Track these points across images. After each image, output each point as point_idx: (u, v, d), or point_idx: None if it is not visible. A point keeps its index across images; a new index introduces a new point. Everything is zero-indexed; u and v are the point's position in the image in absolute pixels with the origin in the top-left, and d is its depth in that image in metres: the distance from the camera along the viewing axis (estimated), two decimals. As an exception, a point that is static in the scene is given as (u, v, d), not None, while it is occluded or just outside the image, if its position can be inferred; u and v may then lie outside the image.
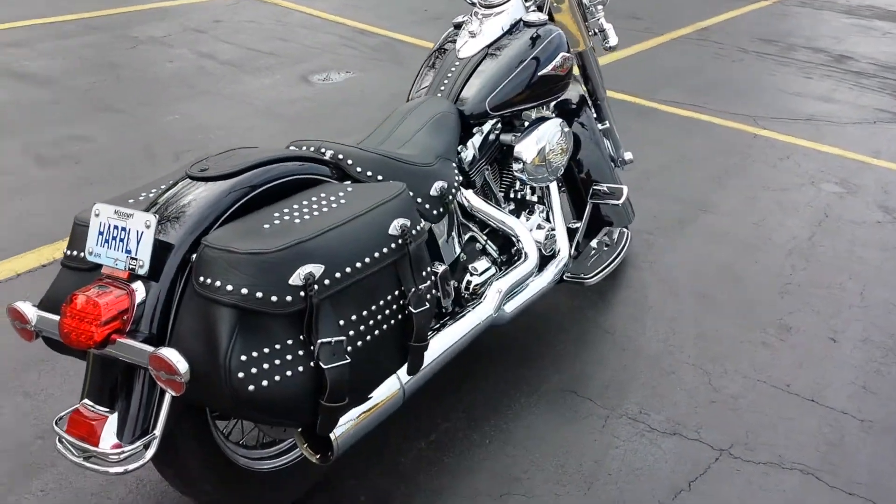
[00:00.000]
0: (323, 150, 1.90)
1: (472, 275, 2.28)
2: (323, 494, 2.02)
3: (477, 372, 2.51)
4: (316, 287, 1.51)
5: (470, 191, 2.31)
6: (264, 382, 1.46)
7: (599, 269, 2.63)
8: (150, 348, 1.44)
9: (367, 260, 1.61)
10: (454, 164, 2.13)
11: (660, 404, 2.43)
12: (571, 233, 2.70)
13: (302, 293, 1.49)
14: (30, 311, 1.58)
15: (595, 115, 3.01)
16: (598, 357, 2.63)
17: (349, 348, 1.58)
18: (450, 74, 2.37)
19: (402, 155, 1.99)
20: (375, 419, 1.81)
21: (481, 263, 2.32)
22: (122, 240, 1.51)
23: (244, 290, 1.45)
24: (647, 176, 3.93)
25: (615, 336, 2.75)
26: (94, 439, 1.48)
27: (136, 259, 1.50)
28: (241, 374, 1.44)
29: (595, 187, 2.79)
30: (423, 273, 1.74)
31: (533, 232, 2.45)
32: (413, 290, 1.70)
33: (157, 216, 1.51)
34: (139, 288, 1.51)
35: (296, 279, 1.49)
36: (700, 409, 2.43)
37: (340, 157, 1.90)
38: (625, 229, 2.83)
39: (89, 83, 4.56)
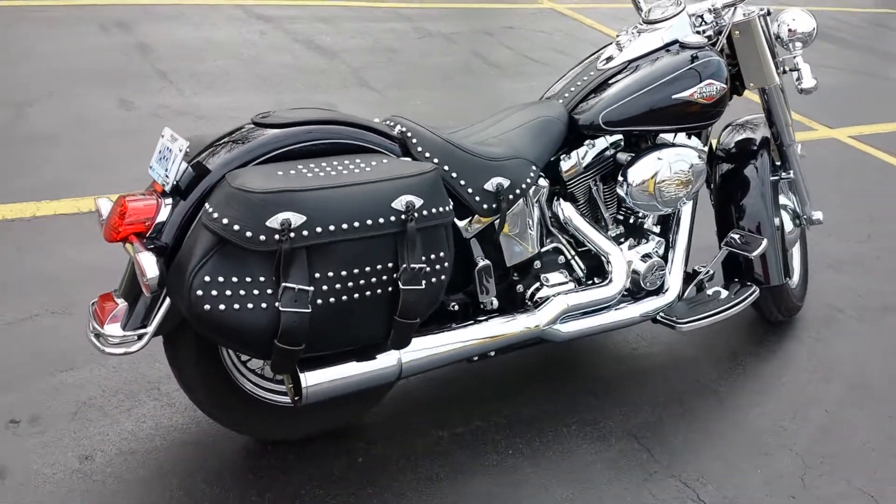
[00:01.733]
0: (393, 124, 2.00)
1: (542, 284, 2.22)
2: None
3: (544, 385, 2.44)
4: (292, 234, 1.62)
5: (569, 203, 2.25)
6: (221, 306, 1.61)
7: (697, 316, 2.39)
8: (142, 250, 1.65)
9: (357, 224, 1.68)
10: (535, 168, 2.10)
11: (727, 480, 2.17)
12: (694, 275, 2.49)
13: (276, 236, 1.61)
14: (104, 205, 1.88)
15: (780, 163, 2.73)
16: (686, 413, 2.40)
17: (319, 301, 1.67)
18: (579, 82, 2.32)
19: (468, 145, 2.01)
20: (358, 383, 1.87)
21: (557, 276, 2.25)
22: (167, 159, 1.75)
23: (225, 221, 1.60)
24: (876, 247, 3.43)
25: (720, 398, 2.48)
26: (101, 321, 1.74)
27: (168, 177, 1.73)
28: (199, 292, 1.60)
29: (732, 233, 2.53)
30: (426, 254, 1.77)
31: (631, 260, 2.31)
32: (405, 266, 1.73)
33: (189, 142, 1.72)
34: (167, 201, 1.73)
35: (273, 222, 1.61)
36: (772, 498, 2.13)
37: (409, 134, 1.98)
38: (753, 286, 2.53)
39: (363, 62, 5.07)
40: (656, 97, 2.24)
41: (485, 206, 2.00)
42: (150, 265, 1.62)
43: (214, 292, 1.61)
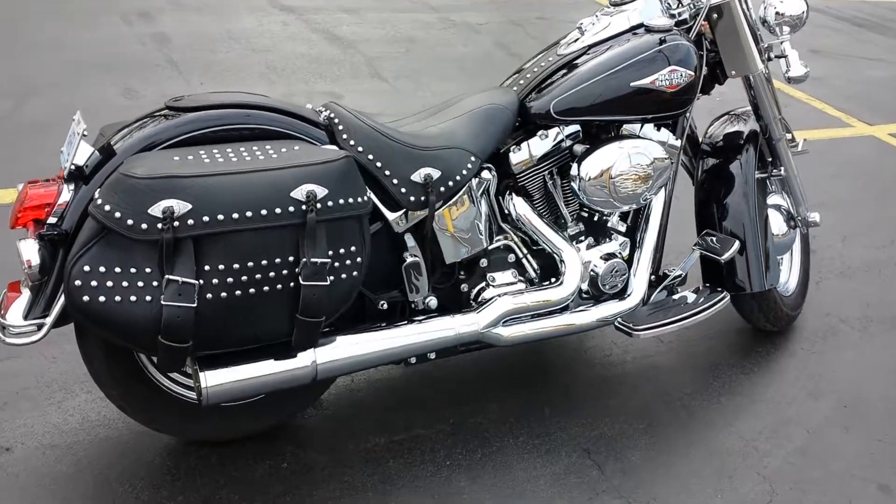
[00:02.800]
0: (322, 110, 1.90)
1: (488, 284, 2.09)
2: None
3: (499, 391, 2.30)
4: (176, 223, 1.53)
5: (521, 198, 2.11)
6: (101, 297, 1.53)
7: (655, 323, 2.21)
8: (26, 237, 1.59)
9: (249, 214, 1.58)
10: (474, 160, 1.96)
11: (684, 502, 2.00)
12: (662, 278, 2.31)
13: (161, 225, 1.52)
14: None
15: (770, 159, 2.52)
16: (649, 428, 2.23)
17: (208, 295, 1.57)
18: (535, 69, 2.17)
19: (396, 134, 1.89)
20: (267, 384, 1.78)
21: (505, 276, 2.11)
22: (71, 143, 1.68)
23: (107, 208, 1.52)
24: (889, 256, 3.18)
25: (691, 413, 2.31)
26: (4, 311, 1.68)
27: (68, 160, 1.66)
28: (77, 282, 1.52)
29: (704, 234, 2.35)
30: (332, 248, 1.66)
31: (585, 258, 2.15)
32: (305, 261, 1.62)
33: (81, 121, 1.65)
34: (70, 187, 1.66)
35: (155, 210, 1.52)
36: (727, 527, 1.95)
37: (336, 121, 1.87)
38: (723, 292, 2.33)
39: (379, 52, 4.97)
40: (613, 84, 2.07)
41: (412, 198, 1.88)
42: (29, 252, 1.56)
43: (94, 283, 1.53)
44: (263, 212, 1.59)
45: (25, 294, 1.68)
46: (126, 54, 4.50)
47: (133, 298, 1.55)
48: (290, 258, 1.63)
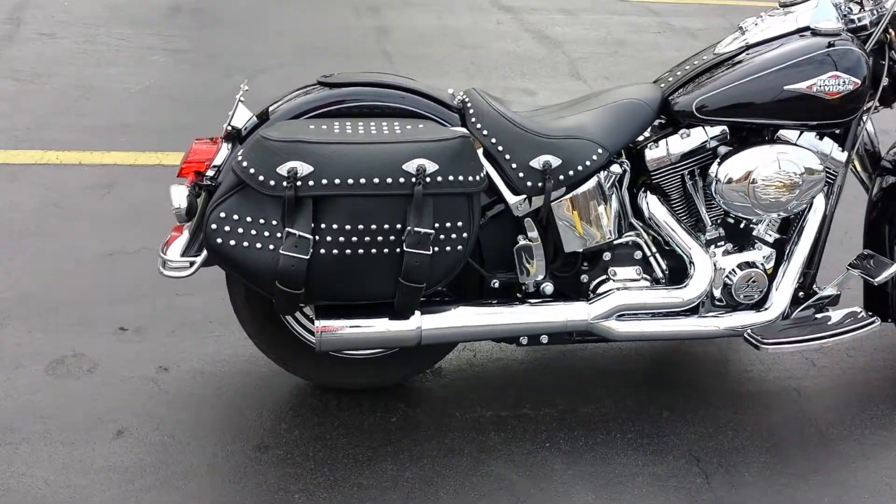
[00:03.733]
0: (454, 93, 2.01)
1: (608, 277, 2.09)
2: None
3: (619, 387, 2.29)
4: (299, 183, 1.71)
5: (656, 196, 2.08)
6: (232, 241, 1.75)
7: (785, 339, 2.06)
8: (182, 187, 1.84)
9: (363, 181, 1.72)
10: (601, 151, 1.97)
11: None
12: (809, 296, 2.17)
13: (286, 183, 1.71)
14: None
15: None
16: (774, 447, 2.11)
17: (321, 250, 1.74)
18: (687, 66, 2.13)
19: (522, 120, 1.95)
20: (373, 340, 1.94)
21: (628, 271, 2.10)
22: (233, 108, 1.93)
23: (244, 164, 1.74)
24: None
25: (826, 440, 2.15)
26: (166, 247, 1.96)
27: (228, 122, 1.90)
28: (213, 226, 1.75)
29: (862, 253, 2.17)
30: (438, 221, 1.76)
31: (720, 263, 2.08)
32: (409, 229, 1.74)
33: (247, 88, 1.89)
34: (224, 146, 1.90)
35: (282, 169, 1.71)
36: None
37: (468, 105, 1.98)
38: (874, 317, 2.12)
39: (584, 53, 4.98)
40: (764, 86, 1.98)
41: (528, 183, 1.93)
42: (177, 196, 1.80)
43: (227, 228, 1.75)
44: (376, 180, 1.73)
45: (185, 235, 1.95)
46: (348, 43, 4.90)
47: (258, 245, 1.75)
48: (398, 225, 1.76)
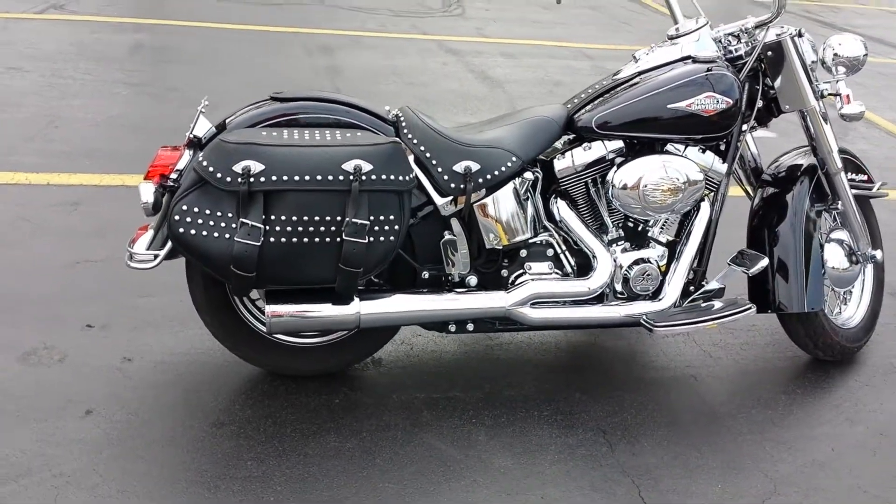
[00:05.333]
0: (389, 109, 2.31)
1: (524, 271, 2.39)
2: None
3: (541, 372, 2.58)
4: (251, 179, 1.99)
5: (564, 200, 2.40)
6: (192, 231, 2.01)
7: (673, 322, 2.38)
8: (150, 185, 2.10)
9: (307, 178, 2.01)
10: (514, 160, 2.28)
11: (680, 489, 2.17)
12: (698, 288, 2.50)
13: (240, 179, 1.99)
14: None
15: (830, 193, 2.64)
16: (671, 423, 2.41)
17: (271, 239, 2.01)
18: (589, 90, 2.47)
19: (447, 132, 2.26)
20: (318, 323, 2.21)
21: (541, 266, 2.40)
22: (194, 119, 2.20)
23: (204, 163, 2.01)
24: None
25: (717, 417, 2.46)
26: (132, 241, 2.20)
27: (189, 132, 2.17)
28: (176, 217, 2.01)
29: (740, 252, 2.51)
30: (373, 214, 2.05)
31: (619, 260, 2.40)
32: (348, 220, 2.02)
33: (208, 102, 2.17)
34: (186, 152, 2.17)
35: (237, 167, 1.99)
36: (716, 512, 2.10)
37: (401, 118, 2.28)
38: (749, 303, 2.46)
39: (524, 92, 5.36)
40: (651, 104, 2.33)
41: (452, 185, 2.23)
42: (145, 192, 2.06)
43: (189, 219, 2.01)
44: (319, 177, 2.02)
45: (150, 232, 2.20)
46: (300, 80, 5.20)
47: (215, 234, 2.01)
48: (338, 217, 2.04)
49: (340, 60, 5.74)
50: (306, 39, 6.16)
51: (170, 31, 6.03)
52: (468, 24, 7.25)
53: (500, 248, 2.37)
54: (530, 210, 2.38)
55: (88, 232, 3.14)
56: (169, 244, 2.15)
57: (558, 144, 2.46)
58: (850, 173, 2.71)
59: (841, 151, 2.71)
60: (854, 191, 2.71)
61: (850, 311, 2.82)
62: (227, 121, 2.23)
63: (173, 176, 2.13)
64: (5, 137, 3.90)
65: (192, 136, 2.16)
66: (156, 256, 2.15)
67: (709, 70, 2.36)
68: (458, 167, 2.23)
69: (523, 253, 2.40)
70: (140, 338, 2.57)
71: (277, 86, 2.34)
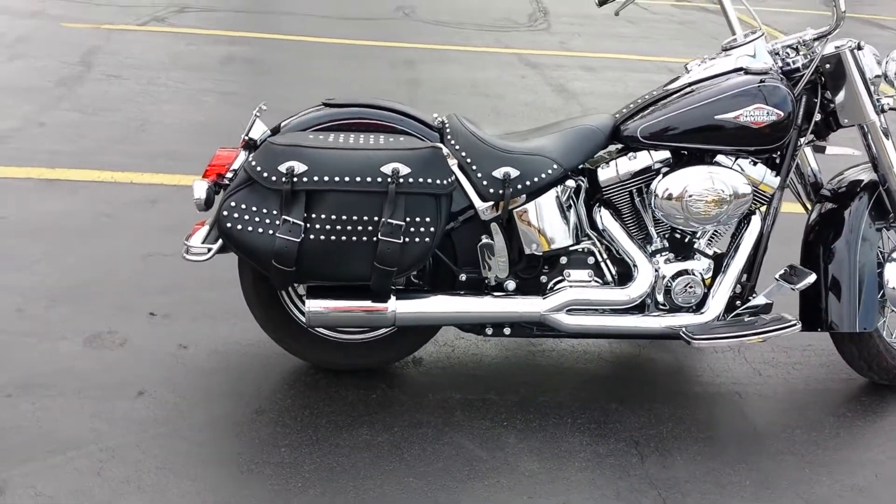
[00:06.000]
0: (437, 116, 2.38)
1: (563, 278, 2.40)
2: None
3: (578, 380, 2.59)
4: (295, 179, 2.09)
5: (608, 209, 2.41)
6: (239, 226, 2.13)
7: (712, 335, 2.33)
8: (203, 182, 2.23)
9: (347, 179, 2.09)
10: (556, 167, 2.30)
11: (708, 501, 2.14)
12: (744, 302, 2.46)
13: (284, 179, 2.09)
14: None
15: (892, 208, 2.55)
16: (709, 440, 2.38)
17: (311, 236, 2.11)
18: (639, 100, 2.47)
19: (489, 138, 2.31)
20: (355, 319, 2.30)
21: (581, 274, 2.41)
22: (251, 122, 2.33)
23: (254, 163, 2.13)
24: None
25: (759, 436, 2.41)
26: (189, 236, 2.34)
27: (245, 134, 2.30)
28: (225, 213, 2.13)
29: (788, 266, 2.44)
30: (409, 216, 2.12)
31: (662, 270, 2.38)
32: (384, 220, 2.09)
33: (266, 108, 2.30)
34: (242, 153, 2.30)
35: (282, 167, 2.09)
36: (744, 530, 2.06)
37: (446, 125, 2.35)
38: (794, 320, 2.39)
39: (597, 104, 5.34)
40: (698, 115, 2.31)
41: (490, 190, 2.28)
42: (198, 189, 2.19)
43: (236, 215, 2.13)
44: (358, 179, 2.10)
45: (206, 228, 2.33)
46: (379, 91, 5.32)
47: (260, 230, 2.12)
48: (375, 217, 2.12)
49: (421, 73, 5.87)
50: (392, 53, 6.33)
51: (263, 45, 6.31)
52: (552, 38, 7.28)
53: (541, 254, 2.40)
54: (573, 218, 2.40)
55: (163, 227, 3.33)
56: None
57: (605, 154, 2.47)
58: (917, 191, 2.62)
59: (905, 168, 2.63)
60: (920, 209, 2.62)
61: (916, 334, 2.70)
62: (281, 124, 2.35)
63: (228, 175, 2.26)
64: (97, 139, 4.17)
65: (247, 137, 2.28)
66: (209, 250, 2.27)
67: (762, 82, 2.33)
68: (498, 173, 2.28)
69: (563, 260, 2.42)
70: (198, 328, 2.72)
71: (357, 96, 2.46)
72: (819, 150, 2.58)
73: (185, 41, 6.13)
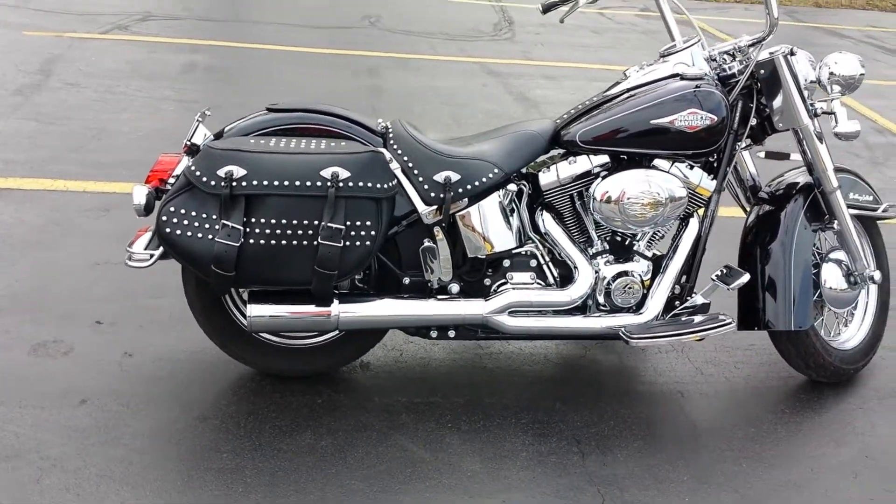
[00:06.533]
0: (381, 121, 2.41)
1: (506, 280, 2.43)
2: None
3: (524, 381, 2.61)
4: (234, 183, 2.10)
5: (549, 213, 2.44)
6: (178, 231, 2.13)
7: (649, 334, 2.37)
8: (143, 188, 2.23)
9: (286, 182, 2.11)
10: (497, 171, 2.33)
11: (648, 500, 2.17)
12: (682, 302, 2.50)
13: (223, 183, 2.10)
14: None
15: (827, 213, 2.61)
16: (648, 436, 2.42)
17: (251, 240, 2.12)
18: (579, 106, 2.51)
19: (430, 143, 2.34)
20: (297, 324, 2.31)
21: (523, 276, 2.44)
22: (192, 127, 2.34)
23: (193, 168, 2.14)
24: None
25: (698, 432, 2.45)
26: (132, 242, 2.34)
27: (187, 139, 2.31)
28: (164, 218, 2.14)
29: (724, 267, 2.49)
30: (349, 219, 2.14)
31: (602, 272, 2.42)
32: (324, 224, 2.11)
33: (208, 113, 2.31)
34: (185, 158, 2.31)
35: (221, 171, 2.11)
36: (680, 526, 2.10)
37: (389, 130, 2.37)
38: (728, 318, 2.44)
39: (557, 112, 5.39)
40: (635, 119, 2.36)
41: (432, 194, 2.30)
42: (138, 194, 2.20)
43: (175, 220, 2.13)
44: (297, 183, 2.12)
45: (149, 234, 2.34)
46: (340, 99, 5.33)
47: (199, 235, 2.13)
48: (315, 221, 2.13)
49: (384, 81, 5.89)
50: (356, 61, 6.35)
51: (226, 53, 6.30)
52: (516, 47, 7.34)
53: (484, 257, 2.42)
54: (515, 221, 2.43)
55: (114, 236, 3.30)
56: (164, 244, 2.29)
57: (548, 158, 2.51)
58: (854, 194, 2.69)
59: (843, 171, 2.69)
60: (857, 211, 2.69)
61: (850, 333, 2.76)
62: (224, 129, 2.36)
63: (171, 180, 2.27)
64: (52, 148, 4.15)
65: (189, 142, 2.29)
66: (151, 256, 2.27)
67: (697, 87, 2.38)
68: (439, 177, 2.30)
69: (506, 263, 2.45)
70: (144, 335, 2.71)
71: (302, 101, 2.47)
72: (783, 156, 2.63)
73: (147, 49, 6.11)
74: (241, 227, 2.11)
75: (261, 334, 2.47)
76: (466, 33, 7.69)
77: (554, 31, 8.02)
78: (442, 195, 2.31)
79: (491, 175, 2.35)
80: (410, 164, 2.31)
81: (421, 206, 2.34)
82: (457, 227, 2.39)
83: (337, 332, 2.44)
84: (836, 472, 2.33)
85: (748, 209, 2.70)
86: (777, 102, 2.49)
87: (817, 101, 2.52)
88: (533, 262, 2.47)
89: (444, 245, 2.38)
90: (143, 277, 2.73)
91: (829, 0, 11.95)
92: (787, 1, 11.49)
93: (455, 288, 2.42)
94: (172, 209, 2.15)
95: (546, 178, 2.43)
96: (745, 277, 2.43)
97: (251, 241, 2.12)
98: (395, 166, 2.29)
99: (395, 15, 8.15)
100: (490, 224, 2.40)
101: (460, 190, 2.32)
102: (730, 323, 2.43)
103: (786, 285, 2.49)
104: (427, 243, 2.37)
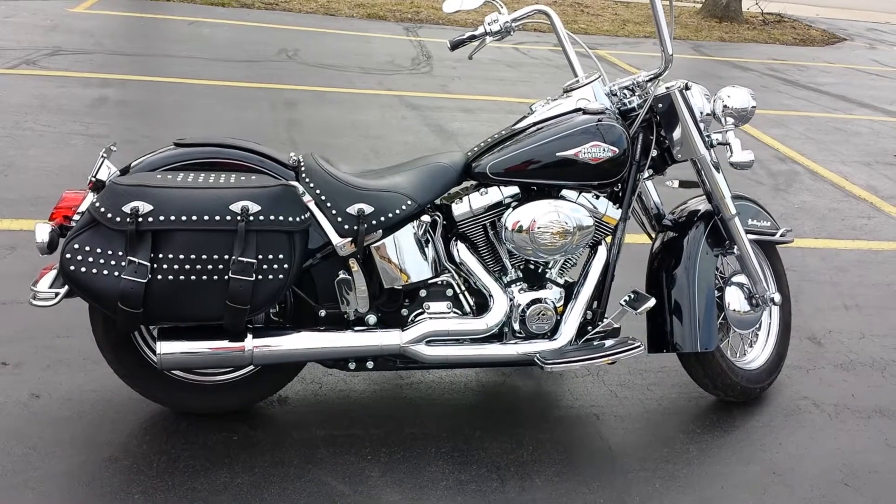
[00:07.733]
0: (293, 155, 2.41)
1: (423, 310, 2.46)
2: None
3: (445, 410, 2.63)
4: (140, 219, 2.07)
5: (463, 243, 2.48)
6: (83, 269, 2.09)
7: (563, 359, 2.43)
8: (46, 225, 2.18)
9: (195, 217, 2.09)
10: (410, 203, 2.37)
11: (562, 522, 2.21)
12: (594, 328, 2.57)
13: (129, 219, 2.07)
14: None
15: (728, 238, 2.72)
16: (565, 460, 2.46)
17: (159, 276, 2.08)
18: (489, 139, 2.58)
19: (342, 176, 2.35)
20: (210, 360, 2.27)
21: (440, 306, 2.47)
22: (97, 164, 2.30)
23: (97, 204, 2.10)
24: None
25: (613, 454, 2.50)
26: (37, 281, 2.27)
27: (92, 176, 2.27)
28: (68, 256, 2.09)
29: (631, 292, 2.58)
30: (261, 253, 2.13)
31: (516, 300, 2.47)
32: (235, 258, 2.10)
33: (114, 148, 2.27)
34: (90, 195, 2.26)
35: (126, 207, 2.08)
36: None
37: (301, 163, 2.38)
38: (637, 342, 2.53)
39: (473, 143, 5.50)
40: (541, 152, 2.43)
41: (346, 226, 2.32)
42: (41, 232, 2.15)
43: (80, 257, 2.09)
44: (206, 217, 2.10)
45: (54, 272, 2.28)
46: (258, 133, 5.33)
47: (105, 272, 2.08)
48: (226, 256, 2.12)
49: (302, 114, 5.89)
50: (274, 94, 6.33)
51: (139, 87, 6.19)
52: (434, 81, 7.44)
53: (400, 287, 2.45)
54: (430, 252, 2.47)
55: (20, 275, 3.20)
56: (70, 282, 2.23)
57: (461, 190, 2.56)
58: (754, 220, 2.82)
59: (742, 198, 2.82)
60: (756, 236, 2.81)
61: (755, 353, 2.88)
62: (131, 165, 2.33)
63: (76, 217, 2.22)
64: (-46, 185, 4.00)
65: (94, 179, 2.25)
66: (56, 294, 2.22)
67: (599, 121, 2.47)
68: (352, 209, 2.32)
69: (423, 293, 2.47)
70: (52, 376, 2.63)
71: (210, 136, 2.45)
72: (696, 185, 2.74)
73: (56, 84, 5.95)
74: (148, 264, 2.08)
75: (173, 372, 2.43)
76: (385, 67, 7.76)
77: (471, 65, 8.16)
78: (356, 227, 2.32)
79: (404, 207, 2.38)
80: (323, 197, 2.32)
81: (335, 238, 2.35)
82: (372, 258, 2.41)
83: (252, 367, 2.41)
84: (746, 489, 2.41)
85: (653, 236, 2.81)
86: (676, 134, 2.60)
87: (713, 133, 2.64)
88: (449, 292, 2.50)
89: (360, 276, 2.39)
90: (52, 316, 2.66)
91: (734, 35, 12.53)
92: (693, 36, 11.98)
93: (372, 319, 2.43)
94: (77, 246, 2.10)
95: (459, 209, 2.48)
96: (651, 302, 2.52)
97: (159, 276, 2.09)
98: (307, 199, 2.30)
99: (313, 49, 8.17)
100: (405, 255, 2.42)
101: (374, 222, 2.34)
102: (639, 346, 2.51)
103: (691, 309, 2.59)
104: (342, 275, 2.37)
